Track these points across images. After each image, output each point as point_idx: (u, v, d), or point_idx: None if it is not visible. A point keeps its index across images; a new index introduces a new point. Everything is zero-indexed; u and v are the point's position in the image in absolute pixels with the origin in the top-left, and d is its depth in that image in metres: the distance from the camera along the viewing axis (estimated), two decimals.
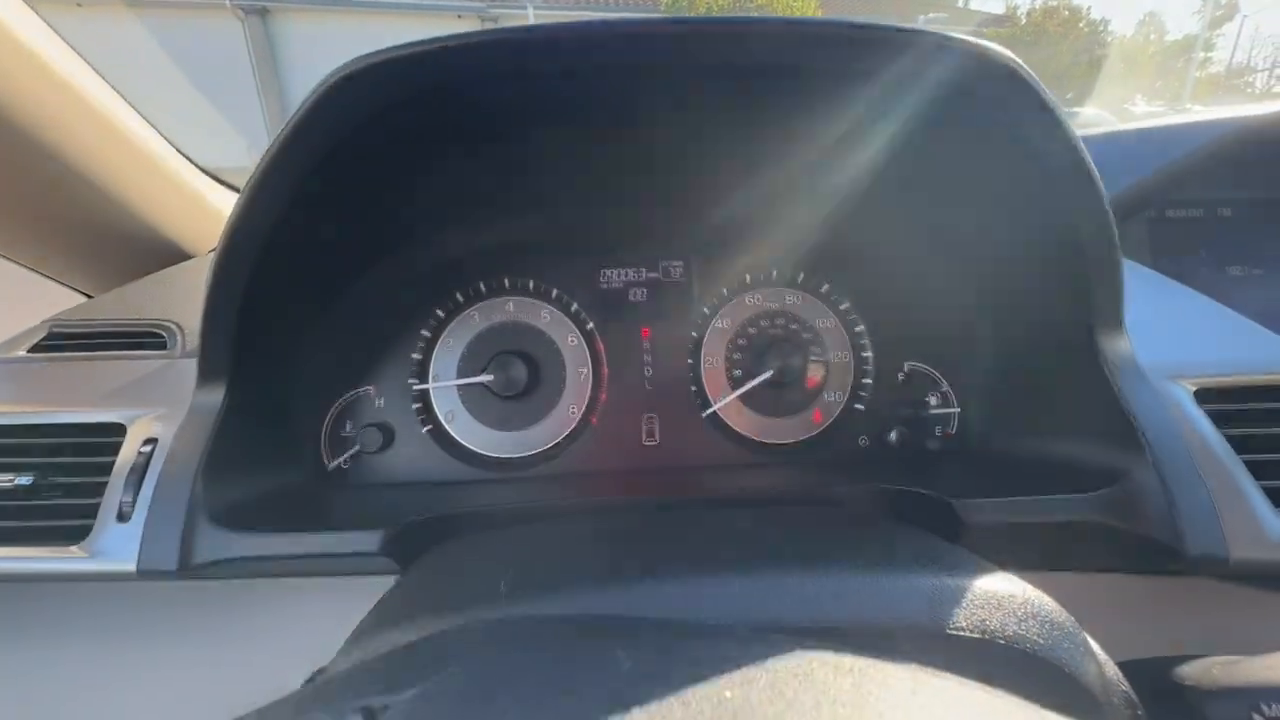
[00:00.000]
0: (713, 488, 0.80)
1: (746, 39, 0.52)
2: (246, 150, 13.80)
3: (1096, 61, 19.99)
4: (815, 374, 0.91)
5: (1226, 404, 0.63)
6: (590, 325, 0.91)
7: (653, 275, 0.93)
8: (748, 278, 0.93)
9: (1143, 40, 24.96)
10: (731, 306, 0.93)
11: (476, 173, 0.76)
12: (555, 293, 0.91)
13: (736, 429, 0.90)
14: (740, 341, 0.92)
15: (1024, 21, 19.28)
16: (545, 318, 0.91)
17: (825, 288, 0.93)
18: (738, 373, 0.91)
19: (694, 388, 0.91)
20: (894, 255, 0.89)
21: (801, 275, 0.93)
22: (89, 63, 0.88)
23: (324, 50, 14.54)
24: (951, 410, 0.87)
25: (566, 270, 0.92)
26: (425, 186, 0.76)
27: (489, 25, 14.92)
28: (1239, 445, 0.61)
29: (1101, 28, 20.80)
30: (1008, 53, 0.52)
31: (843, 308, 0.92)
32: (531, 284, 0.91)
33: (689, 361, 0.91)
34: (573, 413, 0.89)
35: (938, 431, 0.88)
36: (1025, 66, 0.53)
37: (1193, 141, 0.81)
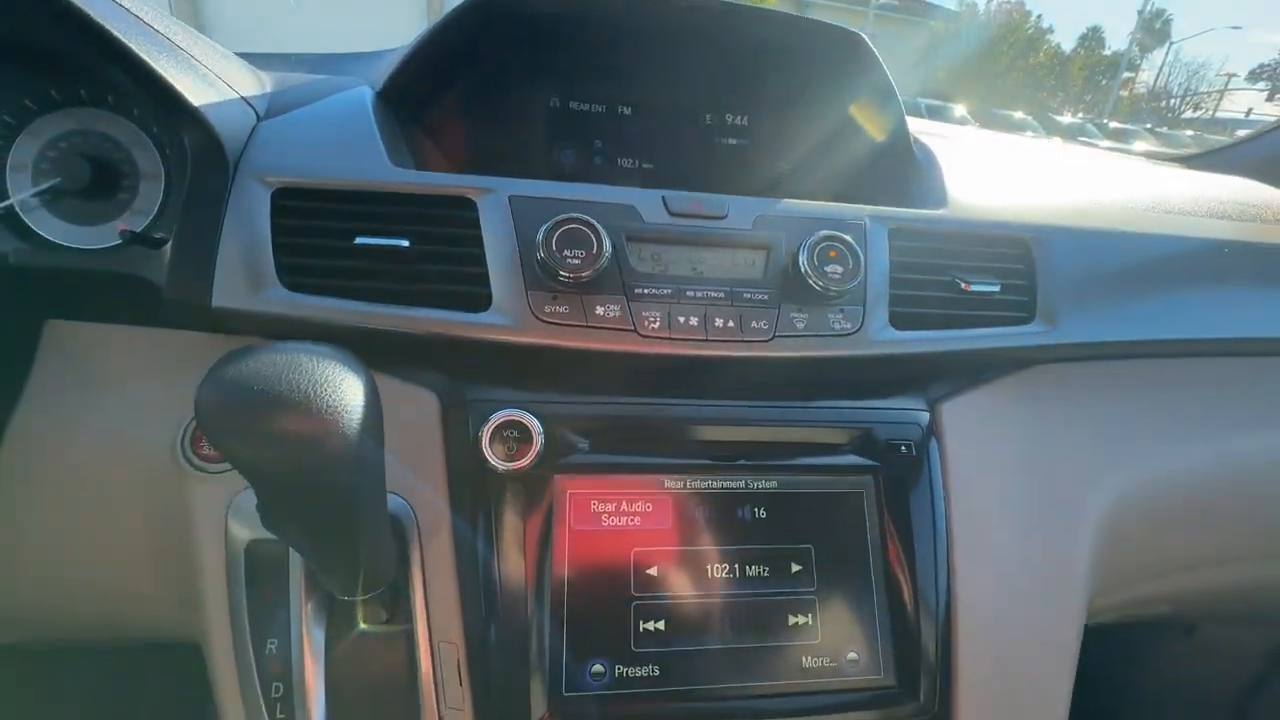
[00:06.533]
0: None
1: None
2: None
3: (1031, 69, 20.86)
4: None
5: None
6: None
7: None
8: None
9: (1082, 53, 26.11)
10: None
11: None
12: None
13: None
14: None
15: (970, 19, 19.84)
16: None
17: None
18: None
19: None
20: None
21: None
22: None
23: None
24: None
25: None
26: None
27: None
28: None
29: (1042, 37, 21.66)
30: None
31: None
32: None
33: None
34: None
35: None
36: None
37: None
